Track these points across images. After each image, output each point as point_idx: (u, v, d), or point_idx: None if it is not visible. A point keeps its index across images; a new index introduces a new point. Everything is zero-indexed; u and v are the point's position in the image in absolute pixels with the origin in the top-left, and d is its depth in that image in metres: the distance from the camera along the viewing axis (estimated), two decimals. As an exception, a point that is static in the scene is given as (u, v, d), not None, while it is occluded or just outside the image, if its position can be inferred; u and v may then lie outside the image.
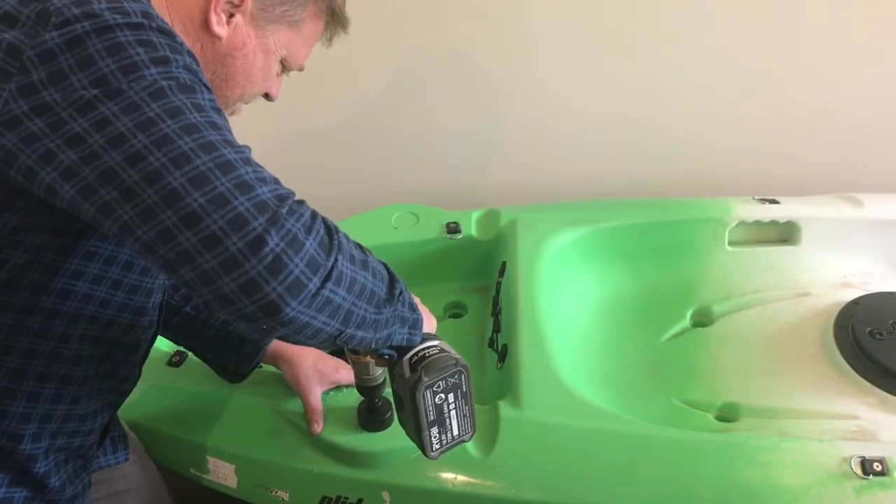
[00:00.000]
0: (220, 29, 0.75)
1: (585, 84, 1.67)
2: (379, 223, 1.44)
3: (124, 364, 0.84)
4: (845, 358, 1.19)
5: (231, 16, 0.75)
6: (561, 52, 1.62)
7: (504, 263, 1.32)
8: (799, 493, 0.91)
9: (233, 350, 1.04)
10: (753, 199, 1.44)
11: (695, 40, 1.59)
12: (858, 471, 0.92)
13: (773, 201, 1.43)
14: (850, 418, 1.11)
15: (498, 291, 1.30)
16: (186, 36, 0.74)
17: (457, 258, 1.42)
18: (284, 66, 0.84)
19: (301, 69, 0.87)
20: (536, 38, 1.60)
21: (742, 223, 1.41)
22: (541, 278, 1.27)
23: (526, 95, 1.69)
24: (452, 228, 1.41)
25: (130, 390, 0.90)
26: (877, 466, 0.92)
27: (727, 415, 1.16)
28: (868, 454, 0.94)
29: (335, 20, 0.85)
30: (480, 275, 1.43)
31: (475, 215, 1.45)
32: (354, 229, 1.42)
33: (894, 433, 1.07)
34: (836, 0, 1.52)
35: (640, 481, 0.95)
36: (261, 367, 1.08)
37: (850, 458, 0.94)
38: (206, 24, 0.74)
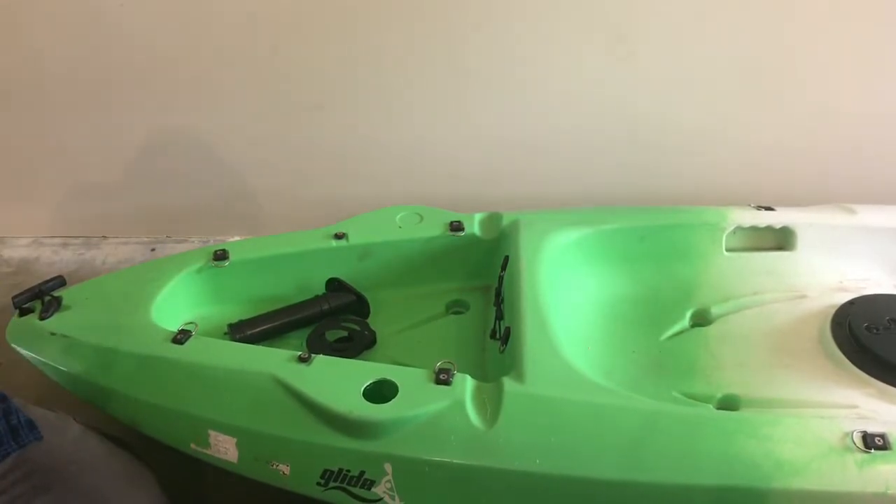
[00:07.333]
0: None
1: (587, 98, 1.72)
2: (383, 221, 1.46)
3: None
4: (843, 352, 1.20)
5: None
6: (563, 68, 1.67)
7: (506, 258, 1.33)
8: (801, 466, 0.92)
9: None
10: (750, 206, 1.48)
11: (697, 56, 1.65)
12: (860, 444, 0.93)
13: (769, 209, 1.47)
14: (849, 408, 1.12)
15: (500, 284, 1.31)
16: None
17: (459, 256, 1.43)
18: None
19: None
20: (540, 53, 1.65)
21: (739, 228, 1.44)
22: (542, 273, 1.28)
23: (528, 107, 1.74)
24: (456, 226, 1.42)
25: None
26: (878, 441, 0.93)
27: (727, 406, 1.16)
28: (869, 429, 0.94)
29: None
30: (482, 274, 1.44)
31: (478, 216, 1.47)
32: (358, 227, 1.44)
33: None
34: (834, 22, 1.59)
35: (642, 454, 0.95)
36: None
37: (852, 432, 0.94)
38: None
